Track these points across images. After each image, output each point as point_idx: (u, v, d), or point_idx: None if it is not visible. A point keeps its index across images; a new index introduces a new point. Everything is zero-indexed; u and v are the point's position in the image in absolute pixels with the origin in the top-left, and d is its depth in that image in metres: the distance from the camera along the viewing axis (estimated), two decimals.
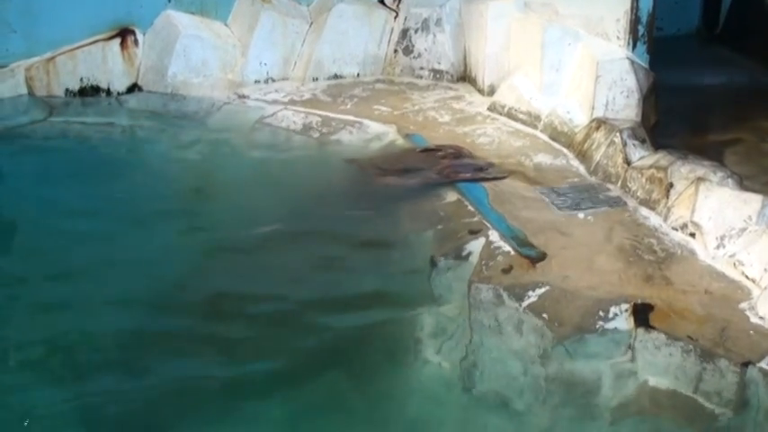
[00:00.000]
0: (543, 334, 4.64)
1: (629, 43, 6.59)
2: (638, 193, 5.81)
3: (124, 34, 8.13)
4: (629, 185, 5.90)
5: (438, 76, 8.50)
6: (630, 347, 4.52)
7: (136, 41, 8.15)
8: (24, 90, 7.97)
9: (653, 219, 5.58)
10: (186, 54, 8.13)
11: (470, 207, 5.81)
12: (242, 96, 8.08)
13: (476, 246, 5.36)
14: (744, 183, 5.47)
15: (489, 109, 7.60)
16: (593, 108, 6.56)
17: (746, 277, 4.85)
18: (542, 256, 5.15)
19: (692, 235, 5.28)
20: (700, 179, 5.39)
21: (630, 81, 6.51)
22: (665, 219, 5.50)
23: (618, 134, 6.18)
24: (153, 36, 8.19)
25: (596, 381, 4.46)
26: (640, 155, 6.04)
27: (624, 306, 4.65)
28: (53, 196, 6.32)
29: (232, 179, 6.74)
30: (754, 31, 8.49)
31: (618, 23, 6.61)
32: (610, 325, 4.58)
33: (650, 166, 5.81)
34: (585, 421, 4.34)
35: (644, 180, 5.79)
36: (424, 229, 5.71)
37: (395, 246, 5.67)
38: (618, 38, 6.62)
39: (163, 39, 8.15)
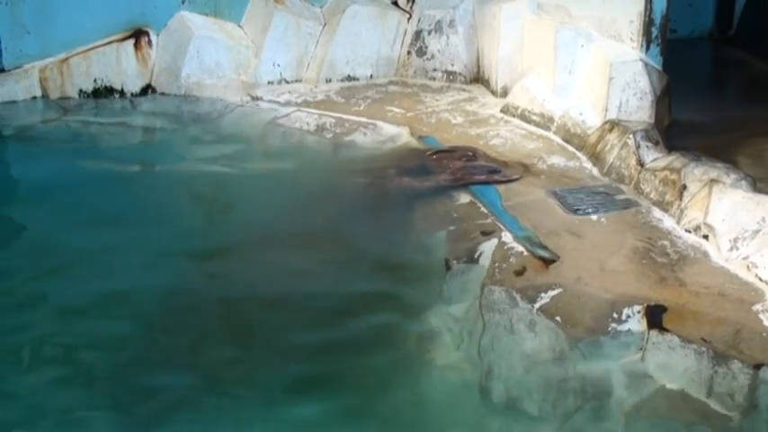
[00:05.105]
0: (556, 336, 4.63)
1: (642, 45, 6.58)
2: (652, 195, 5.80)
3: (138, 35, 8.15)
4: (643, 187, 5.90)
5: (451, 77, 8.51)
6: (643, 349, 4.51)
7: (149, 42, 8.18)
8: (38, 91, 8.00)
9: (666, 221, 5.57)
10: (200, 55, 8.15)
11: (483, 209, 5.81)
12: (255, 98, 8.09)
13: (489, 247, 5.36)
14: (757, 185, 5.45)
15: (502, 111, 7.60)
16: (606, 110, 6.55)
17: (760, 279, 4.84)
18: (555, 258, 5.15)
19: (706, 237, 5.27)
20: (713, 181, 5.38)
21: (644, 83, 6.50)
22: (679, 221, 5.49)
23: (631, 136, 6.17)
24: (166, 37, 8.21)
25: (609, 383, 4.45)
26: (654, 157, 6.04)
27: (637, 308, 4.64)
28: (65, 198, 6.35)
29: (245, 180, 6.75)
30: None
31: (631, 25, 6.60)
32: (623, 327, 4.58)
33: (663, 168, 5.81)
34: (598, 423, 4.34)
35: (657, 182, 5.79)
36: (437, 231, 5.71)
37: (408, 247, 5.67)
38: (631, 39, 6.62)
39: (176, 40, 8.17)
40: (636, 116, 6.50)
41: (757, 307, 4.64)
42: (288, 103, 7.93)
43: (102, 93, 8.11)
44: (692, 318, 4.57)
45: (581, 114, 6.80)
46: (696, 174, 5.57)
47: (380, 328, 4.90)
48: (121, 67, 8.13)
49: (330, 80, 8.45)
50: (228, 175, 6.80)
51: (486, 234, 5.49)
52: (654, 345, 4.50)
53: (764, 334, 4.43)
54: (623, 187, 6.04)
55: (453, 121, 7.48)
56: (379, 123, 7.42)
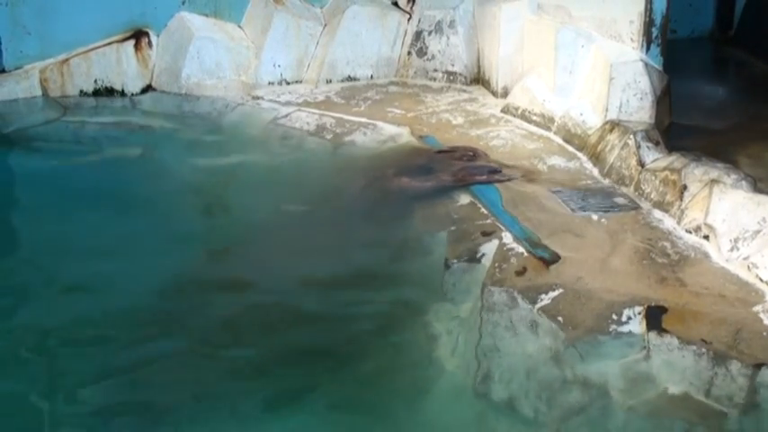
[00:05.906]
0: (556, 336, 4.63)
1: (642, 45, 6.58)
2: (652, 196, 5.80)
3: (138, 36, 8.16)
4: (643, 188, 5.90)
5: (451, 78, 8.51)
6: (644, 350, 4.51)
7: (150, 43, 8.18)
8: (39, 92, 8.00)
9: (666, 221, 5.57)
10: (200, 56, 8.15)
11: (484, 209, 5.81)
12: (256, 98, 8.09)
13: (489, 248, 5.36)
14: (758, 185, 5.45)
15: (503, 111, 7.60)
16: (606, 110, 6.55)
17: (760, 280, 4.84)
18: (556, 258, 5.15)
19: (706, 237, 5.27)
20: (713, 181, 5.38)
21: (644, 83, 6.50)
22: (679, 221, 5.49)
23: (631, 136, 6.17)
24: (167, 38, 8.21)
25: (609, 383, 4.45)
26: (654, 157, 6.04)
27: (637, 309, 4.64)
28: (65, 198, 6.35)
29: (246, 179, 6.76)
30: None
31: (631, 25, 6.60)
32: (623, 328, 4.58)
33: (664, 169, 5.81)
34: (599, 424, 4.33)
35: (657, 182, 5.79)
36: (438, 232, 5.72)
37: (408, 248, 5.67)
38: (631, 40, 6.61)
39: (176, 40, 8.17)
40: (636, 116, 6.50)
41: (757, 307, 4.64)
42: (288, 104, 7.94)
43: (103, 93, 8.12)
44: (692, 318, 4.58)
45: (581, 115, 6.80)
46: (696, 174, 5.57)
47: (381, 328, 4.90)
48: (122, 67, 8.14)
49: (330, 81, 8.46)
50: (229, 174, 6.82)
51: (487, 234, 5.50)
52: (654, 345, 4.50)
53: (765, 333, 4.44)
54: (624, 188, 6.04)
55: (454, 122, 7.48)
56: (380, 124, 7.42)
